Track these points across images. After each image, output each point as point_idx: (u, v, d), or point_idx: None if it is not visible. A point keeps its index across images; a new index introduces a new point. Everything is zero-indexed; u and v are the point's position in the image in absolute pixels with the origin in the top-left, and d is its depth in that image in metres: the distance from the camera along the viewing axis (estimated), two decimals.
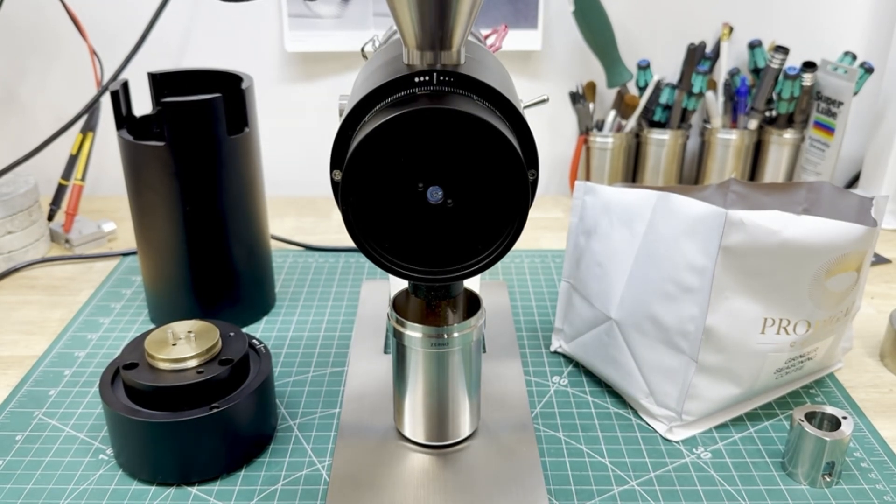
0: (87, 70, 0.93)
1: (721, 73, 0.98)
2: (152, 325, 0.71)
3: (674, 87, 0.96)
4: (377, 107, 0.39)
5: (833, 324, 0.57)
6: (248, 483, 0.52)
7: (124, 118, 0.66)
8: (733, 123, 0.98)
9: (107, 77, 0.90)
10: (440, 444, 0.53)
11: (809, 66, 0.94)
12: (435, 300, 0.49)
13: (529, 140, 0.40)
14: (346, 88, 1.01)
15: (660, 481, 0.52)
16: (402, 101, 0.38)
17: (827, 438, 0.50)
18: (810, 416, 0.53)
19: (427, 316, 0.50)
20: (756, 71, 0.97)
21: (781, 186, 0.66)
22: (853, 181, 1.04)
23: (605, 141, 0.98)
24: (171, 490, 0.51)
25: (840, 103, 0.92)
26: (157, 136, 0.63)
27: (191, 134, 0.62)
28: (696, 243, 0.53)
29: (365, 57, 0.60)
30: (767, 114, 0.98)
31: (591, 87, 1.00)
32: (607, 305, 0.59)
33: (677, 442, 0.56)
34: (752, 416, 0.59)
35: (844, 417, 0.52)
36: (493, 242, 0.40)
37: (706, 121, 1.00)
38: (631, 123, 0.98)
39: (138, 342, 0.55)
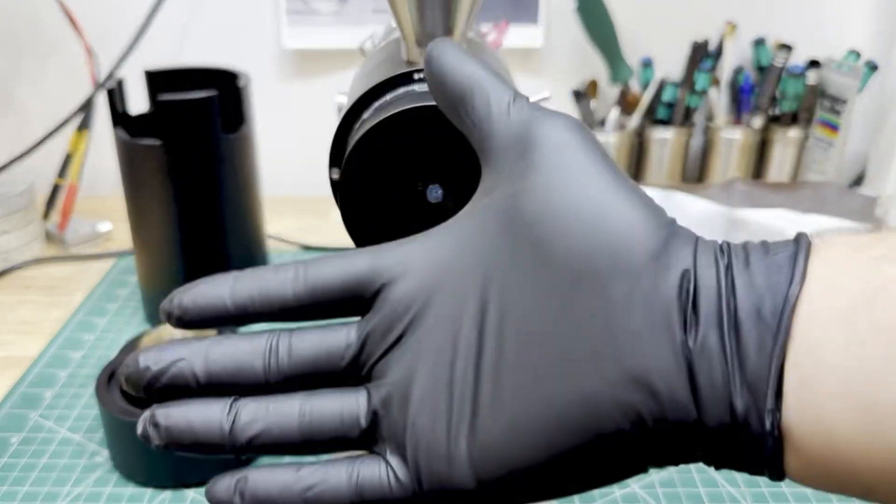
0: (82, 68, 0.92)
1: (724, 71, 0.97)
2: (148, 326, 0.71)
3: (677, 85, 0.95)
4: (376, 104, 0.39)
5: None
6: None
7: (120, 116, 0.65)
8: (737, 122, 0.97)
9: (102, 75, 0.89)
10: None
11: (814, 64, 0.93)
12: None
13: None
14: (344, 85, 1.00)
15: (662, 483, 0.52)
16: (401, 98, 0.37)
17: None
18: None
19: None
20: (760, 69, 0.97)
21: (786, 185, 0.65)
22: (858, 179, 1.04)
23: (607, 139, 0.97)
24: (168, 493, 0.51)
25: (844, 101, 0.92)
26: (153, 135, 0.62)
27: (187, 132, 0.61)
28: None
29: (363, 54, 0.59)
30: (771, 112, 0.97)
31: (593, 85, 0.99)
32: None
33: None
34: None
35: None
36: None
37: (710, 119, 0.99)
38: (634, 122, 0.98)
39: (134, 343, 0.54)
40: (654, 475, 0.52)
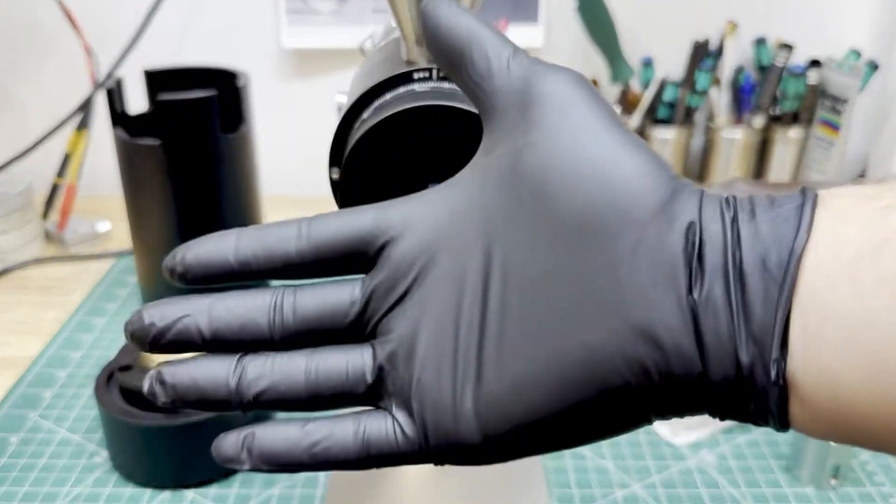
0: (81, 67, 0.92)
1: (725, 71, 0.97)
2: None
3: (678, 84, 0.95)
4: (376, 104, 0.38)
5: None
6: (245, 486, 0.51)
7: (119, 116, 0.65)
8: (738, 121, 0.97)
9: (102, 74, 0.89)
10: None
11: (814, 63, 0.93)
12: None
13: None
14: (344, 85, 1.00)
15: (663, 484, 0.51)
16: (401, 97, 0.37)
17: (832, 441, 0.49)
18: None
19: None
20: (761, 68, 0.96)
21: (787, 185, 0.65)
22: (860, 179, 1.03)
23: None
24: (167, 494, 0.51)
25: (845, 101, 0.91)
26: (152, 135, 0.62)
27: (186, 132, 0.61)
28: None
29: (363, 54, 0.59)
30: (772, 112, 0.97)
31: (593, 84, 0.99)
32: None
33: (681, 445, 0.55)
34: None
35: None
36: None
37: (710, 119, 0.99)
38: (634, 121, 0.97)
39: None
40: (656, 476, 0.52)
